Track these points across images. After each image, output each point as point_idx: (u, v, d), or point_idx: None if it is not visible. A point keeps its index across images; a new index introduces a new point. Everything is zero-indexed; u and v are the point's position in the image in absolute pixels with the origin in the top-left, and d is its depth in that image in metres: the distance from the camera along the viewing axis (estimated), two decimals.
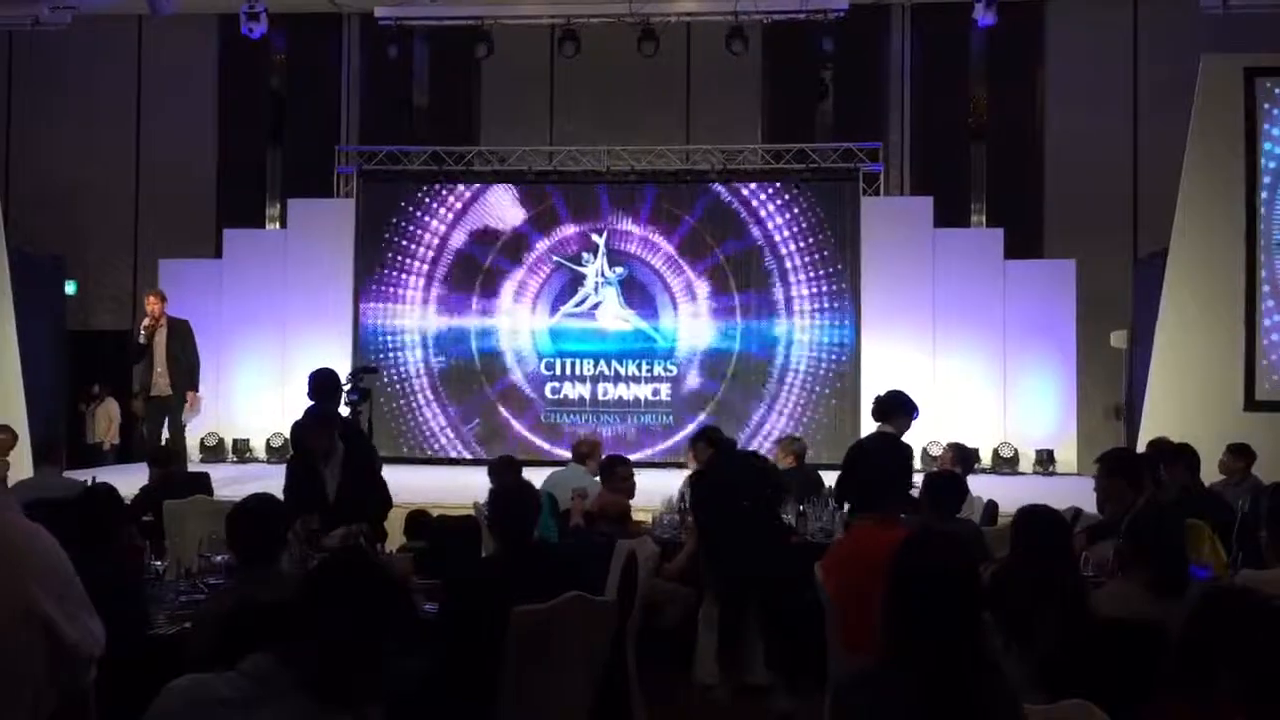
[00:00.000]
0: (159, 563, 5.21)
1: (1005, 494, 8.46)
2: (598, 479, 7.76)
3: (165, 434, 10.67)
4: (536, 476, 8.08)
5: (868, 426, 13.39)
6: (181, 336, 10.74)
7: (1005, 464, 13.20)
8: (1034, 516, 4.42)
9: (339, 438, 6.62)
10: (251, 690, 2.31)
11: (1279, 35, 13.78)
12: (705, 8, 13.80)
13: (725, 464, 7.07)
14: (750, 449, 8.24)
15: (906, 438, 6.69)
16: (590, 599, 4.46)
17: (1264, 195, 11.35)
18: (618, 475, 7.26)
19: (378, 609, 2.42)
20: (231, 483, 10.03)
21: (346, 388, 9.15)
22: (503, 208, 14.24)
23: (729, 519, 6.44)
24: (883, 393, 7.41)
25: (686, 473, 8.89)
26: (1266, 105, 11.41)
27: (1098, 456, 5.72)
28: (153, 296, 10.85)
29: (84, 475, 8.28)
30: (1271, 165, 11.37)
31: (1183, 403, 11.03)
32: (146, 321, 10.72)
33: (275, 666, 2.34)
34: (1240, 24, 12.98)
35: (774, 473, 7.16)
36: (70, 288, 15.34)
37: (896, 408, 7.22)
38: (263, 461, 13.47)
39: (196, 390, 10.74)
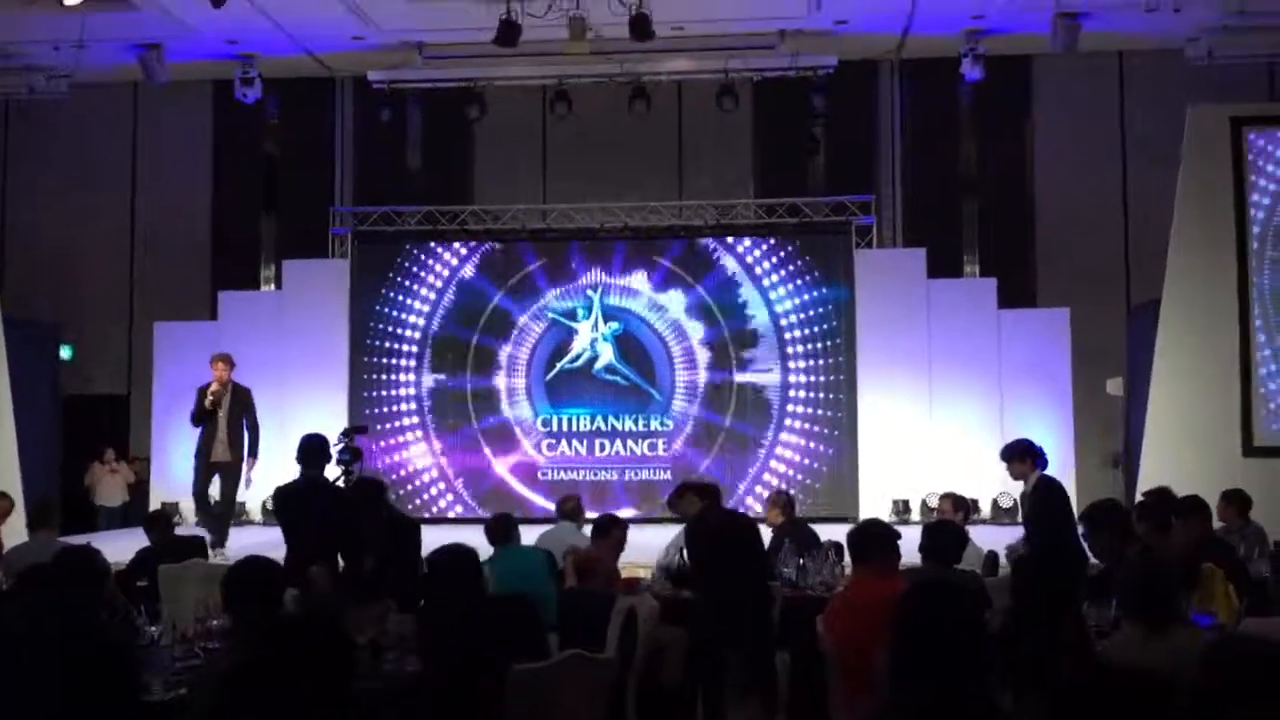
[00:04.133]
0: (154, 628, 5.16)
1: (1005, 544, 8.40)
2: (586, 531, 7.77)
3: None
4: (534, 534, 8.05)
5: (866, 477, 13.44)
6: (244, 403, 10.73)
7: (1005, 514, 13.13)
8: (1031, 569, 4.39)
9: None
10: None
11: (1264, 85, 13.96)
12: (696, 66, 13.95)
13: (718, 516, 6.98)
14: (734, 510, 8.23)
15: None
16: (589, 656, 4.43)
17: (1254, 243, 11.43)
18: (611, 536, 7.17)
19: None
20: (232, 546, 9.96)
21: (338, 447, 9.15)
22: (497, 266, 14.28)
23: (724, 574, 6.37)
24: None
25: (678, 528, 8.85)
26: (1252, 154, 11.51)
27: (1081, 513, 5.71)
28: (221, 362, 10.75)
29: (85, 539, 8.24)
30: (1260, 213, 11.45)
31: (1181, 450, 11.01)
32: (214, 387, 10.65)
33: None
34: (1226, 74, 13.12)
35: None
36: (66, 353, 15.33)
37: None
38: (258, 524, 13.38)
39: (256, 457, 10.67)
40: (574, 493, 9.44)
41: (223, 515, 10.78)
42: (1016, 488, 13.22)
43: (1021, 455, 7.77)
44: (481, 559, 7.22)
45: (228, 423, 10.63)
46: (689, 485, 7.85)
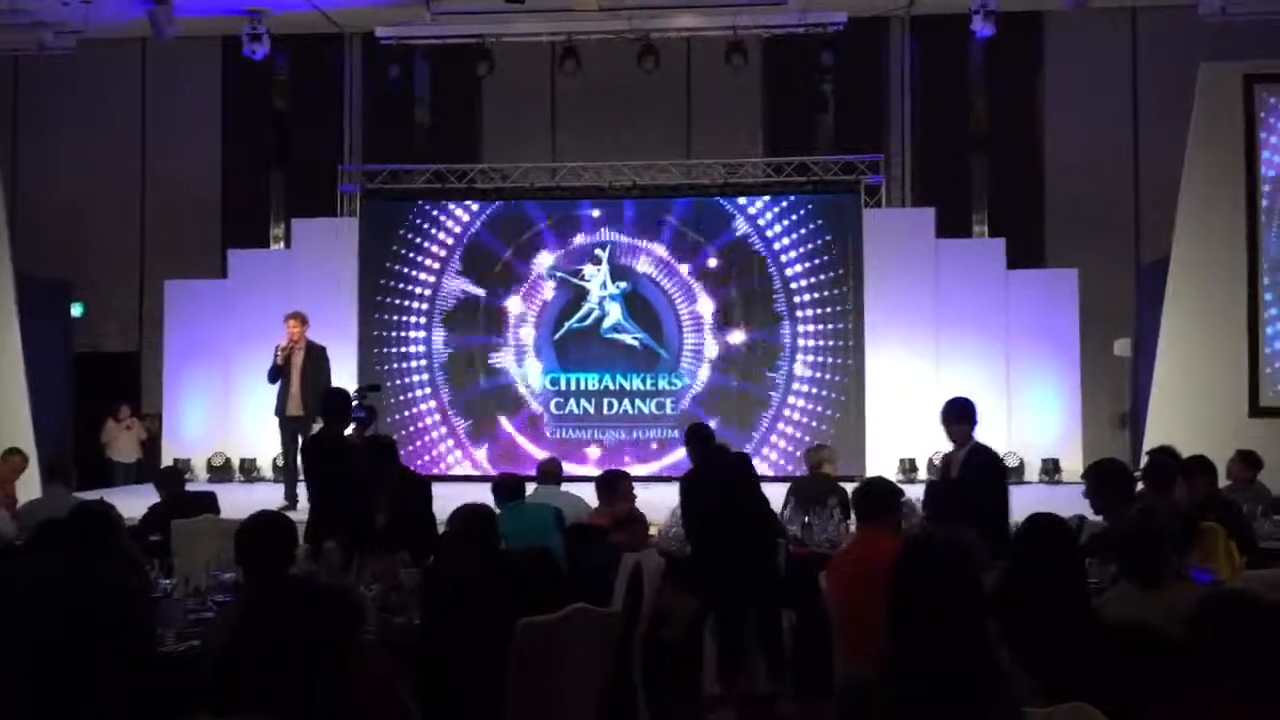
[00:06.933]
0: (167, 581, 5.25)
1: (1011, 503, 8.46)
2: (565, 491, 7.94)
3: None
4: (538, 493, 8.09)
5: (873, 435, 13.48)
6: (317, 360, 10.98)
7: (1011, 473, 13.16)
8: (1041, 527, 4.43)
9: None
10: None
11: (1277, 43, 13.84)
12: (705, 23, 13.87)
13: (711, 468, 7.05)
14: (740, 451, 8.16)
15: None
16: (595, 610, 4.49)
17: (1264, 202, 11.39)
18: (620, 490, 7.27)
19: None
20: (241, 502, 10.04)
21: (353, 404, 9.23)
22: (505, 225, 14.28)
23: (719, 528, 6.45)
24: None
25: None
26: (1264, 112, 11.45)
27: (1084, 471, 5.73)
28: (293, 320, 11.07)
29: (99, 495, 8.33)
30: (1271, 173, 11.40)
31: (1187, 410, 11.04)
32: (284, 343, 10.95)
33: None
34: (1238, 31, 13.01)
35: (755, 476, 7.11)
36: (77, 310, 15.39)
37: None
38: (270, 480, 13.48)
39: None
40: (577, 455, 9.49)
41: (286, 471, 11.00)
42: (1023, 448, 13.34)
43: (970, 417, 6.98)
44: None
45: (300, 380, 10.84)
46: (687, 434, 7.80)
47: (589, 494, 7.82)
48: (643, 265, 14.09)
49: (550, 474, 8.12)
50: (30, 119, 15.91)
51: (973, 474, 6.71)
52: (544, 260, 14.19)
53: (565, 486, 8.18)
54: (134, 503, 8.43)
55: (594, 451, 13.80)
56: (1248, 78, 11.54)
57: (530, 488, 7.90)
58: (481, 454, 14.08)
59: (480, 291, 14.22)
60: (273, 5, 13.83)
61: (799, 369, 13.86)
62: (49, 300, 14.33)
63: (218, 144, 16.04)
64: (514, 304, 14.19)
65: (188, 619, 4.75)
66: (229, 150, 16.05)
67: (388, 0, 13.76)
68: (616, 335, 14.03)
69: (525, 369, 14.16)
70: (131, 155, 16.00)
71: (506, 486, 7.42)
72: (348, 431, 7.75)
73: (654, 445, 13.89)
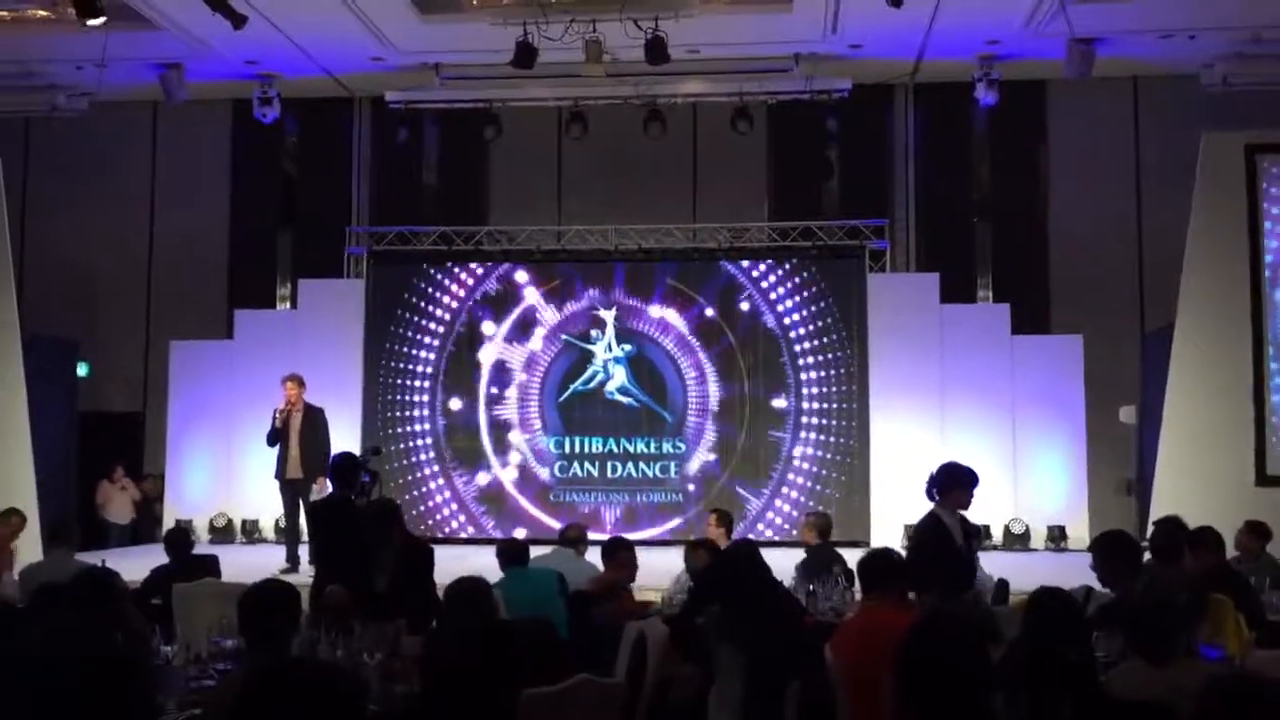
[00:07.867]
0: (168, 648, 5.20)
1: (1017, 571, 8.44)
2: (585, 559, 7.87)
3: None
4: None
5: (878, 502, 13.42)
6: (314, 422, 11.06)
7: (1016, 540, 13.14)
8: (1048, 600, 4.40)
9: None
10: None
11: (1278, 111, 13.97)
12: (710, 89, 14.02)
13: (738, 548, 7.04)
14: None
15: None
16: (600, 681, 4.45)
17: (1268, 271, 11.44)
18: (619, 559, 7.26)
19: None
20: (243, 564, 10.00)
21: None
22: (511, 287, 14.34)
23: (748, 595, 6.39)
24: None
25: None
26: (1266, 181, 11.53)
27: (1091, 543, 5.70)
28: (290, 382, 11.18)
29: (97, 557, 8.30)
30: (1274, 241, 11.46)
31: (1193, 479, 11.01)
32: (282, 406, 11.04)
33: None
34: (1240, 100, 13.12)
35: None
36: (83, 370, 15.42)
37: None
38: (271, 542, 13.43)
39: (326, 475, 10.87)
40: (581, 518, 9.49)
41: (288, 534, 10.99)
42: (1029, 515, 13.29)
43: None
44: (492, 580, 7.31)
45: (299, 442, 10.93)
46: (700, 543, 7.71)
47: (598, 558, 7.79)
48: (647, 328, 14.12)
49: (570, 540, 8.09)
50: (41, 180, 16.02)
51: (973, 542, 6.66)
52: (549, 324, 14.23)
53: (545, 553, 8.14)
54: (129, 564, 8.37)
55: (598, 514, 13.74)
56: (1249, 147, 11.64)
57: (542, 550, 7.90)
58: (485, 516, 14.03)
59: (485, 354, 14.24)
60: (283, 69, 14.03)
61: (803, 434, 13.83)
62: (55, 359, 14.37)
63: (226, 205, 16.14)
64: (518, 367, 14.21)
65: (189, 686, 4.71)
66: (237, 211, 16.14)
67: (397, 65, 13.93)
68: (621, 398, 14.03)
69: (529, 432, 14.14)
70: (141, 215, 16.09)
71: (510, 551, 7.40)
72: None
73: (656, 509, 13.84)
